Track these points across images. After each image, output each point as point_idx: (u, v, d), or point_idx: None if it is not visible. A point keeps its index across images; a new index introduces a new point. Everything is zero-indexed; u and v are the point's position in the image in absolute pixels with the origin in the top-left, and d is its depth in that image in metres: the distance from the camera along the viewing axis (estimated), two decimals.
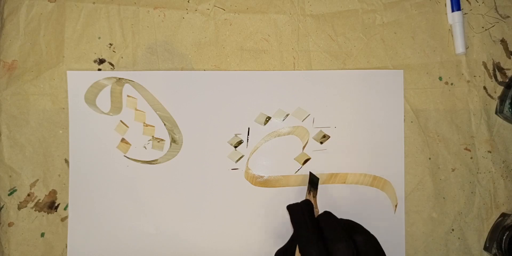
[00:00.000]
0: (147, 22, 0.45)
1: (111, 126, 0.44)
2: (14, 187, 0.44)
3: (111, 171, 0.44)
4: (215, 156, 0.44)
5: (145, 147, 0.44)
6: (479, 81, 0.46)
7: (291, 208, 0.39)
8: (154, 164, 0.44)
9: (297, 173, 0.45)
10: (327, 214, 0.38)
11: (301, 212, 0.38)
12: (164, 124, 0.44)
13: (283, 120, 0.45)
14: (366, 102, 0.45)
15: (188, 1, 0.45)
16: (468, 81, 0.46)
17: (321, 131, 0.45)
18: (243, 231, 0.44)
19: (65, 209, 0.44)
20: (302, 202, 0.40)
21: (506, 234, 0.43)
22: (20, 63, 0.44)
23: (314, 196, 0.43)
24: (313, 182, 0.44)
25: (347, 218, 0.39)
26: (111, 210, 0.44)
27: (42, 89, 0.44)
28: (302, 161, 0.45)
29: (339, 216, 0.38)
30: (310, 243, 0.35)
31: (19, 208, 0.44)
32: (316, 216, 0.38)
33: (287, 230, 0.44)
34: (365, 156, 0.45)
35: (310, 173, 0.44)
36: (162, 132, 0.44)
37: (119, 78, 0.44)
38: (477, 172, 0.46)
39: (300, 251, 0.36)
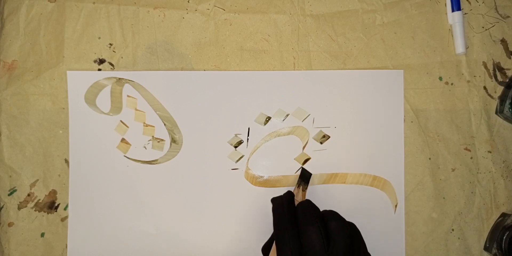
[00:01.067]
0: (147, 22, 0.45)
1: (111, 126, 0.44)
2: (14, 187, 0.44)
3: (111, 171, 0.44)
4: (215, 156, 0.44)
5: (145, 147, 0.44)
6: (479, 81, 0.46)
7: (273, 199, 0.40)
8: (154, 164, 0.44)
9: (297, 173, 0.45)
10: (306, 202, 0.39)
11: (281, 202, 0.39)
12: (164, 124, 0.44)
13: (283, 120, 0.45)
14: (366, 102, 0.45)
15: (188, 1, 0.45)
16: (468, 81, 0.46)
17: (321, 131, 0.45)
18: (243, 231, 0.44)
19: (65, 209, 0.44)
20: (284, 193, 0.41)
21: (506, 234, 0.43)
22: (20, 63, 0.44)
23: (304, 190, 0.43)
24: (304, 176, 0.44)
25: (349, 219, 0.39)
26: (111, 210, 0.44)
27: (42, 89, 0.44)
28: (302, 161, 0.45)
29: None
30: (284, 228, 0.36)
31: (19, 208, 0.44)
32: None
33: None
34: (365, 156, 0.45)
35: (303, 168, 0.44)
36: (162, 132, 0.44)
37: (119, 78, 0.44)
38: (477, 172, 0.46)
39: (275, 236, 0.37)
